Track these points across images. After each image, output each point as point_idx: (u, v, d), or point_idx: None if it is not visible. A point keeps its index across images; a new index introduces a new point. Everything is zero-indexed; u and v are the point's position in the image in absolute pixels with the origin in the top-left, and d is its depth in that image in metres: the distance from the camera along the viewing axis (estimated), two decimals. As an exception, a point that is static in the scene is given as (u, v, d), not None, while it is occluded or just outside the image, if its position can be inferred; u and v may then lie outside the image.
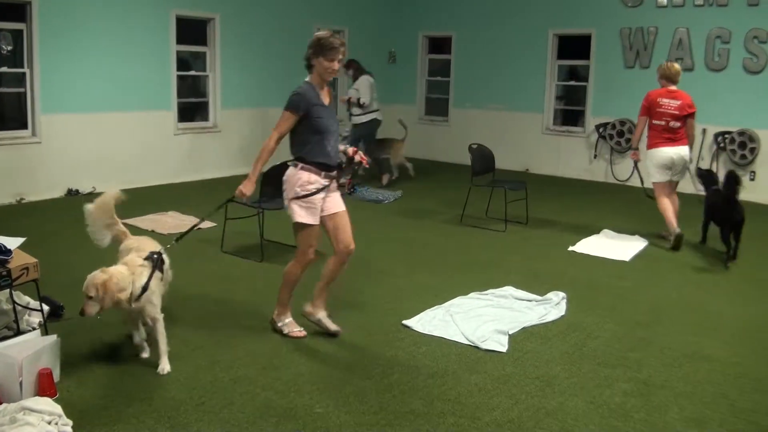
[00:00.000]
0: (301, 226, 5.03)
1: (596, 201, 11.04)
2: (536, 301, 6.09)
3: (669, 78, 8.27)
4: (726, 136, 11.48)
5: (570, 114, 13.75)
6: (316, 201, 4.99)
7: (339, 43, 4.94)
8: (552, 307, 5.94)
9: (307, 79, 5.11)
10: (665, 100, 8.19)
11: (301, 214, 4.98)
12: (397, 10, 15.29)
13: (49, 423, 3.72)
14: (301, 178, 4.94)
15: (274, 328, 5.28)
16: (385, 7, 15.11)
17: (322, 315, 5.29)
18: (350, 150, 5.38)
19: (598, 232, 8.78)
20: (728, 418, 4.15)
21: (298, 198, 4.95)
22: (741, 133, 11.30)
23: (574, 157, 13.37)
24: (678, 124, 8.10)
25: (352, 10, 14.30)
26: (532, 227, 9.01)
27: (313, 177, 4.95)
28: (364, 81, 11.26)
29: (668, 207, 8.21)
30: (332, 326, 5.24)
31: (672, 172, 8.21)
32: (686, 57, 11.73)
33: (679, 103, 8.15)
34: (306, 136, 4.97)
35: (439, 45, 15.26)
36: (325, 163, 4.98)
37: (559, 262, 7.48)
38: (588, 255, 7.80)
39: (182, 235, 5.12)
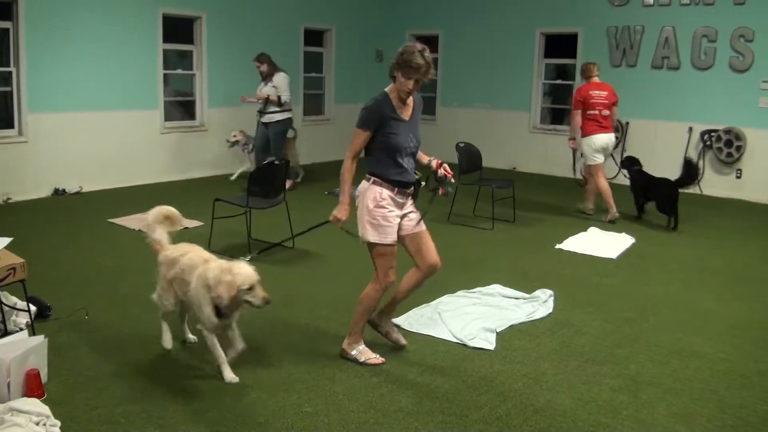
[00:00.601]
0: (374, 246, 4.63)
1: (583, 199, 11.06)
2: (524, 299, 6.10)
3: (590, 75, 9.48)
4: (712, 134, 11.54)
5: (557, 112, 13.78)
6: (392, 219, 4.60)
7: (423, 63, 4.56)
8: (540, 304, 5.96)
9: (387, 88, 4.77)
10: (595, 92, 9.37)
11: (373, 234, 4.58)
12: (385, 9, 15.28)
13: (38, 424, 3.70)
14: (373, 194, 4.59)
15: (347, 358, 4.78)
16: (372, 6, 15.11)
17: (390, 327, 5.06)
18: (434, 163, 5.01)
19: (585, 230, 8.81)
20: (716, 414, 4.17)
21: (370, 216, 4.59)
22: (727, 132, 11.36)
23: (561, 156, 13.38)
24: (607, 112, 9.36)
25: (339, 9, 14.29)
26: (519, 225, 9.03)
27: (386, 193, 4.58)
28: (283, 78, 10.74)
29: (608, 188, 9.46)
30: (402, 339, 5.02)
31: (604, 154, 9.52)
32: (672, 56, 11.78)
33: (606, 93, 9.39)
34: (378, 152, 4.61)
35: (427, 44, 15.15)
36: (399, 180, 4.62)
37: (547, 260, 7.50)
38: (575, 253, 7.83)
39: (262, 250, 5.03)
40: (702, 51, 11.55)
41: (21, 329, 4.85)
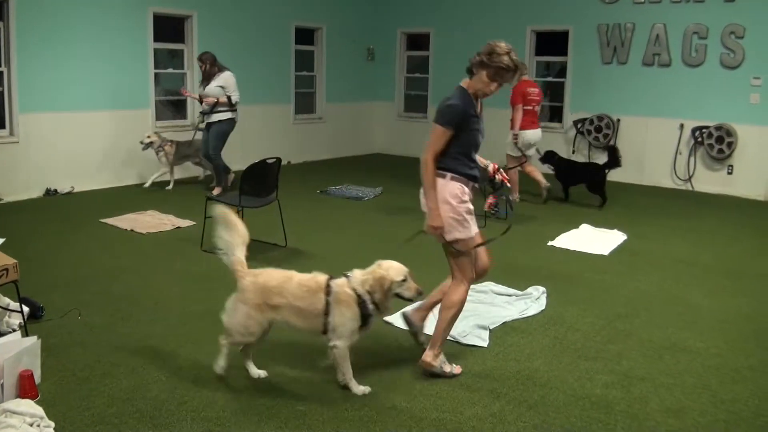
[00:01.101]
0: (457, 243, 4.47)
1: (575, 196, 11.09)
2: (516, 296, 6.12)
3: (523, 73, 9.97)
4: (703, 130, 11.57)
5: (548, 110, 13.80)
6: (472, 211, 4.50)
7: (512, 66, 4.38)
8: (532, 301, 5.97)
9: (462, 83, 4.55)
10: (531, 89, 10.13)
11: (460, 230, 4.43)
12: (375, 7, 15.28)
13: (31, 425, 3.70)
14: (453, 190, 4.41)
15: (433, 373, 4.52)
16: (363, 4, 15.10)
17: (422, 328, 4.99)
18: (491, 167, 4.76)
19: (577, 226, 8.83)
20: (708, 408, 4.19)
21: (455, 212, 4.42)
22: (718, 128, 11.39)
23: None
24: (538, 108, 10.29)
25: (329, 7, 14.28)
26: (511, 223, 9.02)
27: (465, 188, 4.45)
28: (230, 77, 10.22)
29: (535, 169, 10.55)
30: (425, 341, 4.87)
31: (534, 148, 10.36)
32: (663, 53, 11.82)
33: (538, 90, 10.30)
34: (455, 148, 4.42)
35: (418, 42, 15.28)
36: (473, 175, 4.50)
37: (539, 257, 7.52)
38: (567, 249, 7.85)
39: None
40: (693, 48, 11.58)
41: (14, 330, 4.84)
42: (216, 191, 10.02)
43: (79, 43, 10.19)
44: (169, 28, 11.58)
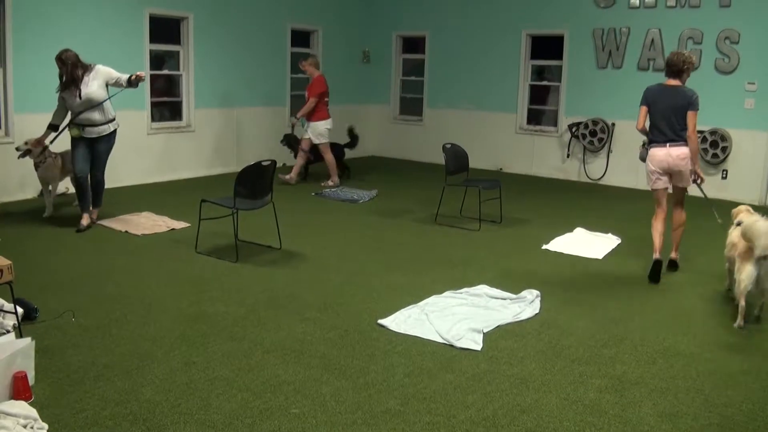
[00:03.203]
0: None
1: (569, 200, 11.12)
2: (510, 300, 6.12)
3: (318, 68, 11.63)
4: (698, 135, 11.57)
5: (543, 113, 13.84)
6: None
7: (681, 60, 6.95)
8: (526, 305, 5.98)
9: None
10: (326, 83, 11.52)
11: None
12: (371, 9, 15.30)
13: (25, 426, 3.70)
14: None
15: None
16: (358, 6, 15.12)
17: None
18: None
19: (571, 230, 8.84)
20: (702, 413, 4.20)
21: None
22: (713, 133, 11.42)
23: (547, 157, 13.45)
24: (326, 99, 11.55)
25: (325, 9, 14.29)
26: (506, 226, 9.06)
27: None
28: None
29: (333, 161, 11.80)
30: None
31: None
32: (658, 57, 11.84)
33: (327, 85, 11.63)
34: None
35: (413, 45, 15.29)
36: None
37: (533, 261, 7.53)
38: (562, 253, 7.86)
39: None
40: (687, 52, 11.61)
41: (8, 331, 4.84)
42: (86, 221, 8.28)
43: (74, 43, 10.08)
44: (165, 30, 11.56)
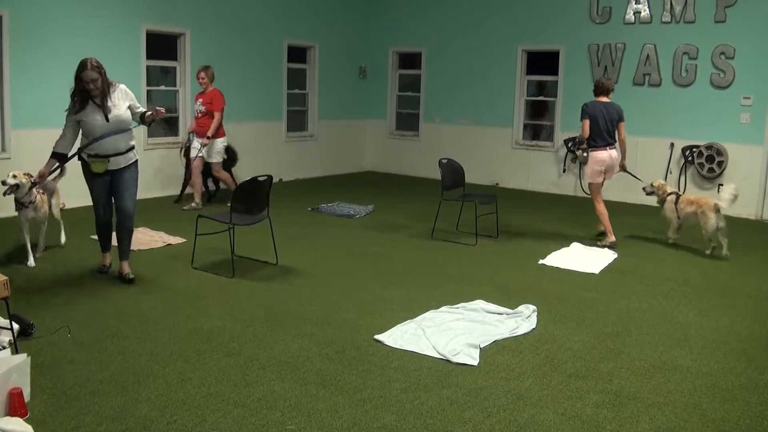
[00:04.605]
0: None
1: (565, 214, 11.13)
2: (507, 315, 6.12)
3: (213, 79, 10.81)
4: (694, 150, 11.64)
5: (539, 128, 13.88)
6: None
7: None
8: (523, 320, 5.97)
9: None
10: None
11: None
12: (368, 25, 15.36)
13: (19, 443, 3.68)
14: None
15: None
16: (355, 23, 15.18)
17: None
18: None
19: (567, 245, 8.85)
20: (699, 428, 4.19)
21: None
22: (708, 147, 11.46)
23: (543, 172, 13.48)
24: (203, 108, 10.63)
25: (322, 26, 14.34)
26: (502, 241, 9.06)
27: None
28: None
29: (230, 179, 11.02)
30: None
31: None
32: (654, 72, 11.90)
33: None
34: None
35: (410, 60, 15.35)
36: None
37: (530, 275, 7.53)
38: (558, 268, 7.86)
39: None
40: (683, 68, 11.67)
41: (4, 347, 4.81)
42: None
43: (71, 59, 10.05)
44: (162, 46, 11.59)
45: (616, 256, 8.37)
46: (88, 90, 6.36)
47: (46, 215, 7.55)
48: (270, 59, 13.32)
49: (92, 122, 6.42)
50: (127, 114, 6.56)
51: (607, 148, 8.87)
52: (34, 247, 7.51)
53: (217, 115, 10.49)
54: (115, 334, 5.43)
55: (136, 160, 6.83)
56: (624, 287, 7.16)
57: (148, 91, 11.41)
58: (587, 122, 8.80)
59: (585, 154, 9.19)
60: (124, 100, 6.58)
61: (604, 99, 8.91)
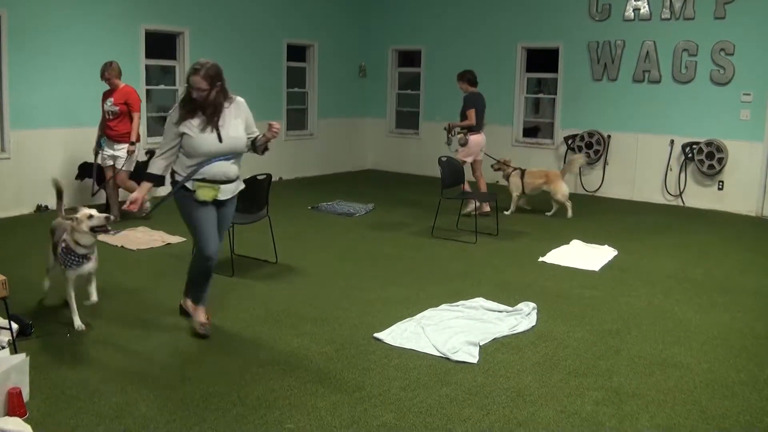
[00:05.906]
0: None
1: (566, 211, 11.11)
2: (507, 312, 6.11)
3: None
4: (694, 146, 11.62)
5: (539, 126, 13.89)
6: None
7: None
8: (522, 317, 5.97)
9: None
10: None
11: None
12: (367, 24, 15.34)
13: (18, 443, 3.68)
14: None
15: None
16: (354, 21, 15.16)
17: None
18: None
19: (567, 242, 8.84)
20: (699, 425, 4.19)
21: None
22: (708, 144, 11.44)
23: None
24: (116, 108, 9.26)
25: (321, 24, 14.33)
26: (502, 239, 9.05)
27: None
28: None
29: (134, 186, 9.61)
30: None
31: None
32: (653, 69, 11.88)
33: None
34: None
35: (410, 58, 15.32)
36: None
37: (530, 273, 7.52)
38: (558, 265, 7.85)
39: None
40: (683, 65, 11.65)
41: (2, 347, 4.82)
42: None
43: (71, 59, 10.19)
44: (160, 45, 11.59)
45: (616, 253, 8.36)
46: (198, 99, 5.20)
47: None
48: (269, 58, 13.31)
49: (200, 140, 5.20)
50: (244, 134, 5.40)
51: (482, 132, 10.53)
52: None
53: (136, 115, 9.36)
54: (113, 334, 5.43)
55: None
56: (624, 284, 7.15)
57: (147, 90, 11.41)
58: (473, 111, 10.25)
59: (466, 137, 10.33)
60: (239, 118, 5.39)
61: (476, 90, 10.47)
